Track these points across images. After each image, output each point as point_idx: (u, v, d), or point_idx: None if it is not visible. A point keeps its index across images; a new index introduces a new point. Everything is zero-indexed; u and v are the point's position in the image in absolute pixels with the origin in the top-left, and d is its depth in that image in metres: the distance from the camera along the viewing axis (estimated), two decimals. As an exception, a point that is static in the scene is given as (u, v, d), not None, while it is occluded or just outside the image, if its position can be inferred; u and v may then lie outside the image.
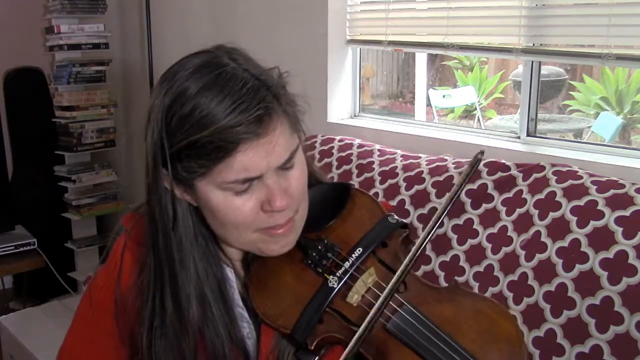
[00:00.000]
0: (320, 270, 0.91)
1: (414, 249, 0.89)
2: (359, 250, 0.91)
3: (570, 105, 4.96)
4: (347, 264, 0.90)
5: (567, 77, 4.90)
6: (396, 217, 0.96)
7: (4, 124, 3.06)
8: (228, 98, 0.79)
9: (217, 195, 0.84)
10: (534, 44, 1.85)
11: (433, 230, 0.92)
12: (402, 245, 0.95)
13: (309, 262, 0.91)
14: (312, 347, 0.86)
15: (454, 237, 1.64)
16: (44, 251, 2.80)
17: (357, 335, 0.83)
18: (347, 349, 0.82)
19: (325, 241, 0.93)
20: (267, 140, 0.81)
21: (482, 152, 1.01)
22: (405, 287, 0.90)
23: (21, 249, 2.74)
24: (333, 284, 0.89)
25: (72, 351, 1.03)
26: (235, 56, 0.86)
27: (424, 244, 0.90)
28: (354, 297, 0.88)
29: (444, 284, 1.62)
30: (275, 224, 0.86)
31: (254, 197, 0.84)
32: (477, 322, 0.87)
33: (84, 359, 1.02)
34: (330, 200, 0.98)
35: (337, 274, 0.90)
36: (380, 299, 0.85)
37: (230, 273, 0.95)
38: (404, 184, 1.80)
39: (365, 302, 0.88)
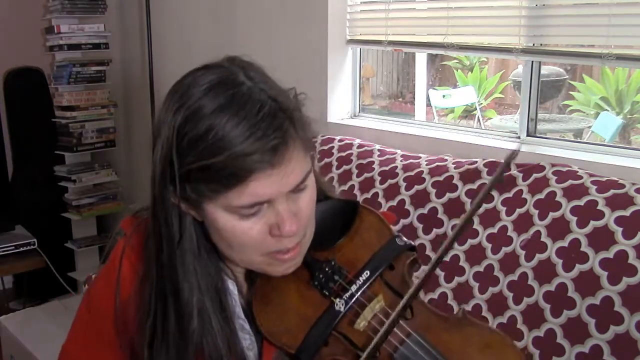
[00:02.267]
0: (327, 293, 0.90)
1: (425, 272, 0.88)
2: (366, 274, 0.90)
3: (570, 105, 4.96)
4: (354, 288, 0.89)
5: (567, 77, 4.90)
6: (404, 238, 0.95)
7: (4, 124, 3.06)
8: (244, 123, 0.77)
9: (225, 218, 0.82)
10: (534, 44, 1.85)
11: (447, 249, 0.89)
12: (409, 267, 0.94)
13: (316, 283, 0.90)
14: None
15: (454, 237, 1.64)
16: (44, 251, 2.80)
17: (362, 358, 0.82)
18: None
19: (332, 263, 0.91)
20: (283, 168, 0.79)
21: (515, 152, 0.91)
22: (412, 314, 0.89)
23: (21, 249, 2.74)
24: (339, 308, 0.88)
25: (73, 355, 1.03)
26: (250, 73, 0.83)
27: (436, 265, 0.88)
28: (361, 323, 0.88)
29: (444, 284, 1.62)
30: (283, 248, 0.85)
31: (262, 222, 0.82)
32: (485, 356, 0.86)
33: None
34: (338, 218, 0.97)
35: (344, 297, 0.89)
36: (385, 326, 0.84)
37: (232, 285, 0.94)
38: (404, 184, 1.80)
39: (372, 327, 0.87)
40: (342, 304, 0.88)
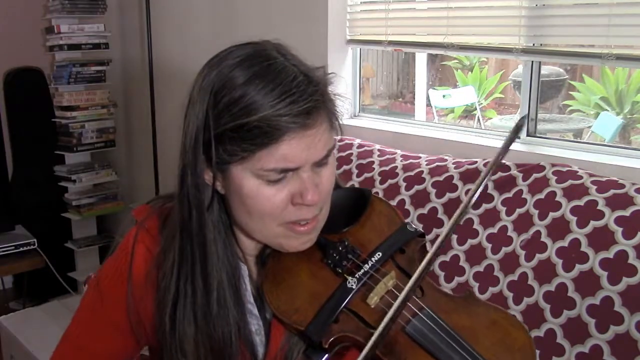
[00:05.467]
0: (339, 271, 0.91)
1: (439, 240, 0.91)
2: (379, 255, 0.93)
3: (570, 105, 4.96)
4: (366, 266, 0.91)
5: (567, 77, 4.90)
6: (414, 225, 0.98)
7: (4, 124, 3.06)
8: (279, 88, 0.81)
9: (251, 182, 0.85)
10: (534, 44, 1.85)
11: (461, 215, 0.94)
12: (419, 253, 0.96)
13: (329, 261, 0.92)
14: (327, 346, 0.87)
15: (454, 237, 1.64)
16: (44, 251, 2.79)
17: (376, 334, 0.83)
18: (366, 348, 0.82)
19: (346, 243, 0.94)
20: (313, 133, 0.83)
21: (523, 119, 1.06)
22: (422, 293, 0.92)
23: (21, 249, 2.74)
24: (352, 285, 0.90)
25: (76, 339, 1.03)
26: (283, 51, 0.89)
27: (449, 234, 0.92)
28: (373, 299, 0.89)
29: (444, 284, 1.62)
30: (301, 218, 0.87)
31: (287, 189, 0.85)
32: (492, 332, 0.88)
33: (88, 347, 1.02)
34: (350, 204, 0.99)
35: (357, 275, 0.91)
36: (400, 297, 0.86)
37: (243, 268, 0.96)
38: (404, 184, 1.81)
39: (384, 303, 0.89)
40: (354, 282, 0.90)
